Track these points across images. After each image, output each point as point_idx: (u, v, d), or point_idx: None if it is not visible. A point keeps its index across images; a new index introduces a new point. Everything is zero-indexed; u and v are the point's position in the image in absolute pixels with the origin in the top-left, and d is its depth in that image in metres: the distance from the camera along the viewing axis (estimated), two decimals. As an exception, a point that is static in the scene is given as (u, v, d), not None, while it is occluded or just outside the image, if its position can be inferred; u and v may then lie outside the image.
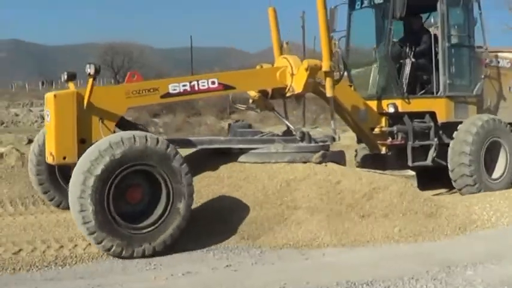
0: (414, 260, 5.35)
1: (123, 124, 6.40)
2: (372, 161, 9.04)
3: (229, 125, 7.80)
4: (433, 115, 8.59)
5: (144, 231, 5.44)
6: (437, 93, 8.65)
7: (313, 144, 7.14)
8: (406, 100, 8.45)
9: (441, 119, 8.62)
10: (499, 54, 9.63)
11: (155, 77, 20.21)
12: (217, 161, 6.97)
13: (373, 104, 8.59)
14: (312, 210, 6.29)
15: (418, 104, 8.57)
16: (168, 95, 6.56)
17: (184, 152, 7.26)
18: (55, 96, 5.91)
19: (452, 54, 8.71)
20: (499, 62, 9.51)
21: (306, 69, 7.09)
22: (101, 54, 50.28)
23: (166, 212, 5.54)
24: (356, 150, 9.74)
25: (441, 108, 8.61)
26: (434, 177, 8.74)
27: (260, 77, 7.51)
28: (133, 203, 5.55)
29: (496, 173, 8.67)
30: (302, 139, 7.17)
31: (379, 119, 8.48)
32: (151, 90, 6.44)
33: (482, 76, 8.98)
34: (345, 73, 9.00)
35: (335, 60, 7.48)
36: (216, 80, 6.84)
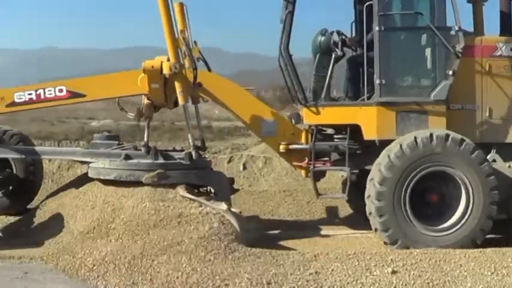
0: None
1: None
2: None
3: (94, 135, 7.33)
4: (358, 130, 6.10)
5: None
6: (369, 98, 6.10)
7: (146, 161, 6.15)
8: (313, 109, 6.23)
9: (369, 135, 6.04)
10: (514, 38, 6.03)
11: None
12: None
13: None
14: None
15: (335, 115, 6.20)
16: (13, 103, 6.69)
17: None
18: None
19: (390, 41, 6.00)
20: (512, 50, 5.97)
21: (144, 72, 6.16)
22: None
23: None
24: None
25: (370, 120, 6.02)
26: None
27: (115, 83, 6.77)
28: None
29: (450, 220, 5.60)
30: (148, 154, 6.28)
31: (296, 134, 6.53)
32: None
33: (451, 72, 5.82)
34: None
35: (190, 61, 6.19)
36: (64, 88, 6.63)
